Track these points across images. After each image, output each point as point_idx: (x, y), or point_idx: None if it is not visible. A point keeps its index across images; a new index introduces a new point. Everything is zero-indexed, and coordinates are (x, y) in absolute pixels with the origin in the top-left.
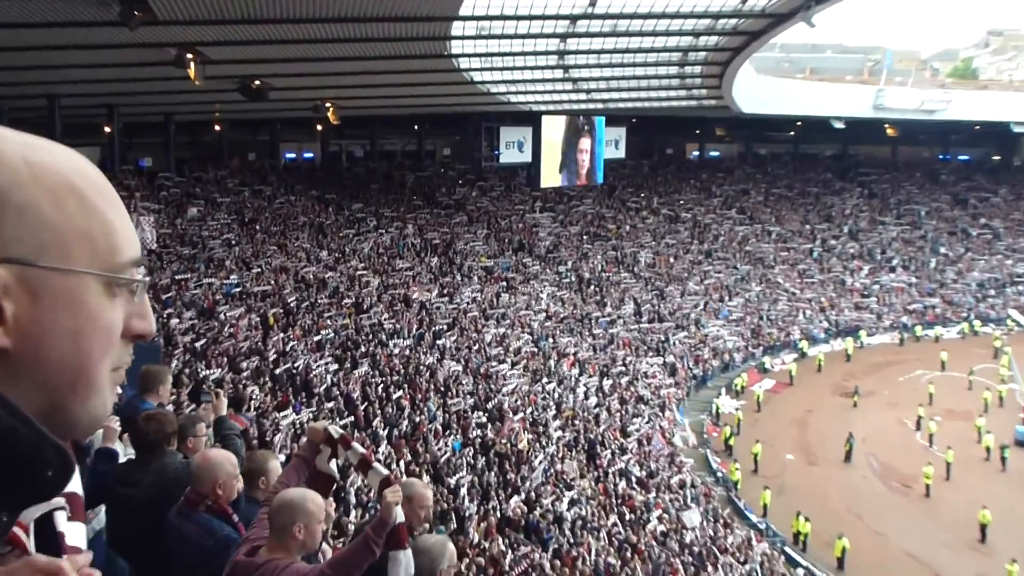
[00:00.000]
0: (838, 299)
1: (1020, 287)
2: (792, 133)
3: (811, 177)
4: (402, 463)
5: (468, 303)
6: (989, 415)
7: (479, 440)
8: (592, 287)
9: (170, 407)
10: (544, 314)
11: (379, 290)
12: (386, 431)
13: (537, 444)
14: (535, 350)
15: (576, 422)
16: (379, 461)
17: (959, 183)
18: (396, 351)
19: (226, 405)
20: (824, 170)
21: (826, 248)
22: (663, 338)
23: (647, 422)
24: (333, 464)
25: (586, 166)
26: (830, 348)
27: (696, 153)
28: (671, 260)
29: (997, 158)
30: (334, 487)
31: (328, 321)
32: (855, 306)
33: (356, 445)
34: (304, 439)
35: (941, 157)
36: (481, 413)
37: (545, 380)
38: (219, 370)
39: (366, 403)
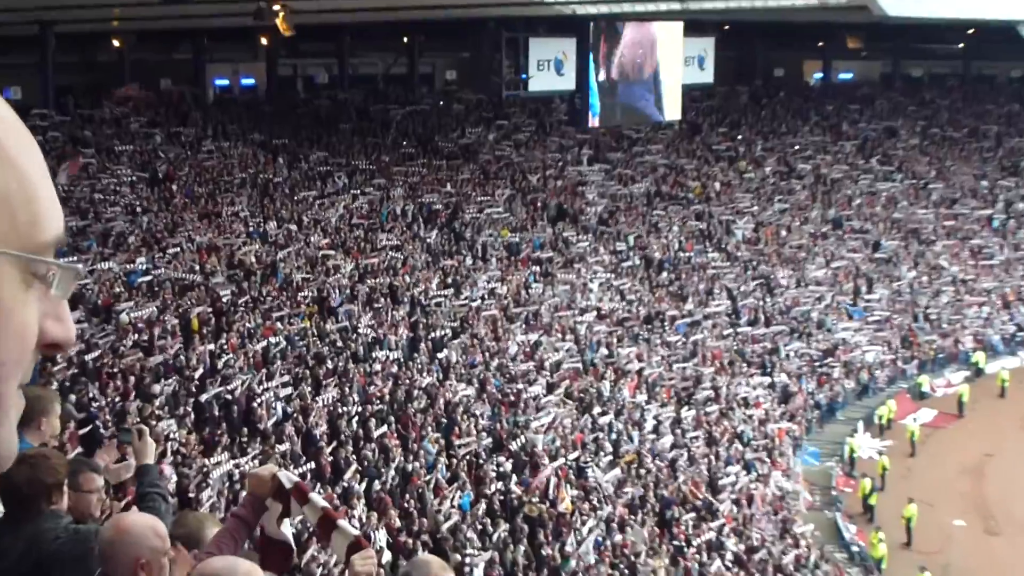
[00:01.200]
0: None
1: None
2: (961, 46)
3: (989, 111)
4: (384, 530)
5: (483, 298)
6: None
7: (500, 498)
8: (665, 273)
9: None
10: (595, 313)
11: (353, 279)
12: (363, 484)
13: (585, 504)
14: (581, 366)
15: (642, 472)
16: (348, 520)
17: None
18: (379, 368)
19: (154, 450)
20: (1009, 99)
21: (1012, 214)
22: (771, 348)
23: (747, 472)
24: (287, 526)
25: (658, 98)
26: (1019, 362)
27: (819, 75)
28: (782, 233)
29: None
30: (292, 560)
31: (279, 324)
32: None
33: (316, 497)
34: (245, 493)
35: None
36: (503, 458)
37: (597, 410)
38: (117, 396)
39: (335, 444)
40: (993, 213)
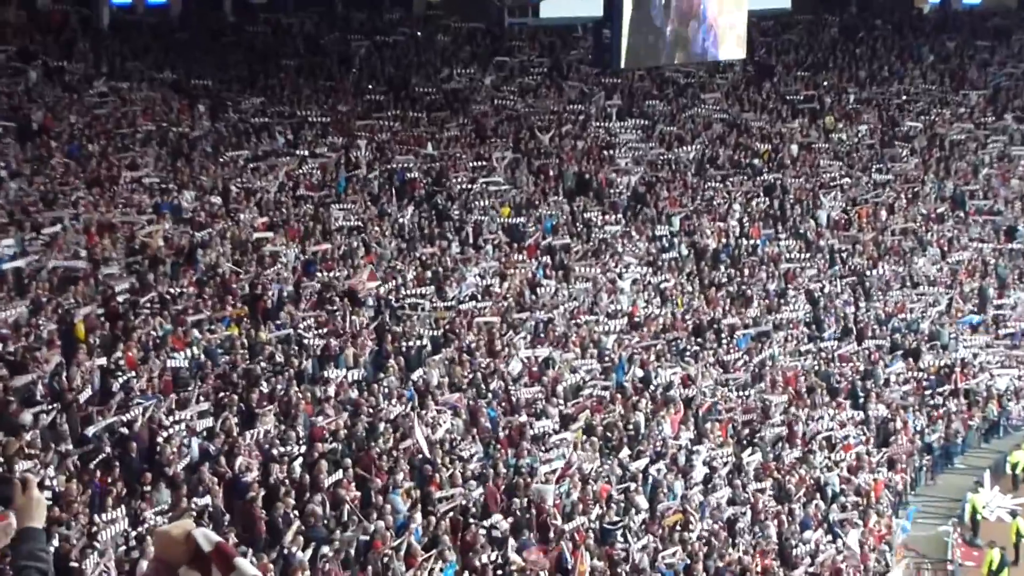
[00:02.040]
0: None
1: None
2: None
3: None
4: None
5: (475, 298)
6: None
7: (495, 571)
8: (723, 267)
9: None
10: (626, 320)
11: (299, 271)
12: (308, 551)
13: None
14: (607, 392)
15: (689, 535)
16: None
17: None
18: (332, 392)
19: (44, 509)
20: None
21: None
22: (865, 371)
23: (832, 539)
24: None
25: (715, 29)
26: None
27: (935, 0)
28: (882, 215)
29: None
30: None
31: (195, 332)
32: None
33: (244, 564)
34: (150, 561)
35: None
36: (499, 516)
37: (627, 453)
38: None
39: (270, 495)
40: None
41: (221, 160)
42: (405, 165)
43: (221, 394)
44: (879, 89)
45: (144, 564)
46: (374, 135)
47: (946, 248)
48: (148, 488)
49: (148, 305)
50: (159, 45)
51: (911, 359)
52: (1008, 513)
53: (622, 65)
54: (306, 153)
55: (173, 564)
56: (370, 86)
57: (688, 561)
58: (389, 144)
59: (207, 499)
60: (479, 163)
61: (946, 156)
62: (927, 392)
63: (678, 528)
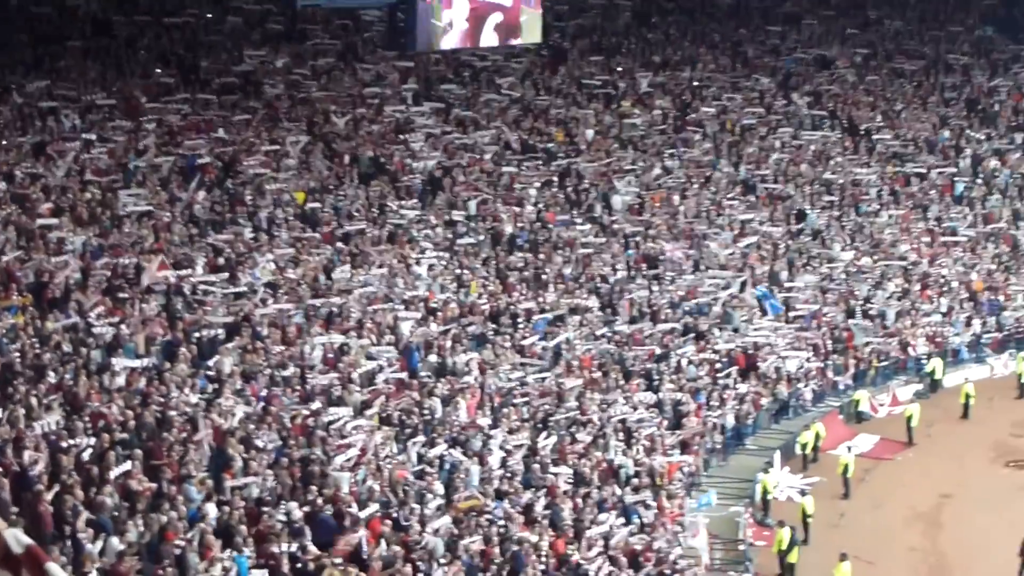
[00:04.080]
0: (1004, 275)
1: None
2: None
3: (954, 35)
4: None
5: (269, 286)
6: None
7: (291, 561)
8: (519, 253)
9: None
10: (422, 307)
11: (86, 258)
12: (99, 544)
13: (408, 567)
14: (405, 377)
15: (484, 522)
16: None
17: None
18: (121, 382)
19: None
20: (981, 20)
21: (982, 175)
22: (658, 354)
23: (626, 521)
24: None
25: (510, 13)
26: (987, 371)
27: None
28: (674, 200)
29: None
30: None
31: None
32: None
33: (54, 568)
34: None
35: None
36: (294, 505)
37: (421, 439)
38: None
39: (57, 488)
40: (957, 173)
41: (4, 144)
42: (196, 150)
43: (9, 387)
44: (672, 74)
45: None
46: (163, 119)
47: (736, 232)
48: None
49: None
50: None
51: (703, 342)
52: (798, 493)
53: (417, 48)
54: (92, 138)
55: None
56: (158, 69)
57: (484, 546)
58: (179, 129)
59: None
60: (272, 147)
61: (737, 141)
62: (719, 375)
63: (473, 513)
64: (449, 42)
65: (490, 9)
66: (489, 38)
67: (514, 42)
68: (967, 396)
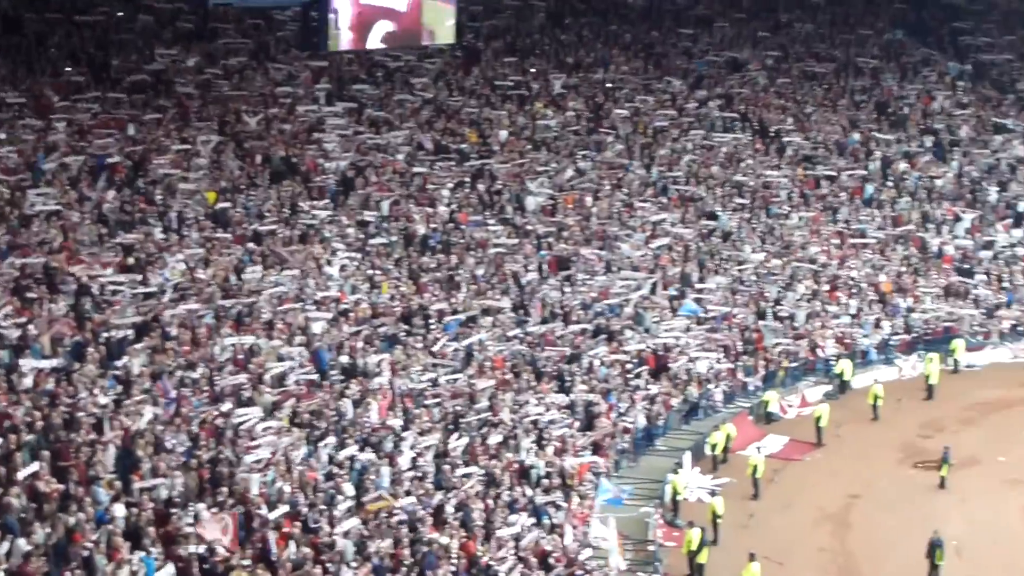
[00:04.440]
0: (913, 277)
1: None
2: None
3: (864, 38)
4: None
5: (179, 287)
6: None
7: (200, 563)
8: (432, 254)
9: None
10: (334, 307)
11: None
12: (5, 546)
13: (317, 568)
14: (316, 378)
15: (394, 523)
16: None
17: None
18: (28, 383)
19: None
20: (890, 24)
21: (891, 178)
22: (570, 355)
23: (537, 522)
24: None
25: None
26: (896, 373)
27: None
28: (587, 201)
29: None
30: None
31: None
32: (945, 291)
33: None
34: None
35: None
36: (203, 506)
37: (332, 441)
38: None
39: None
40: (867, 176)
41: None
42: (106, 149)
43: None
44: (584, 76)
45: None
46: (73, 117)
47: (648, 234)
48: None
49: None
50: None
51: (614, 343)
52: (708, 493)
53: (329, 48)
54: (2, 136)
55: None
56: (68, 67)
57: (394, 548)
58: (89, 127)
59: None
60: (183, 147)
61: (649, 143)
62: (630, 375)
63: (384, 514)
64: (362, 42)
65: (378, 15)
66: (402, 38)
67: (428, 43)
68: (876, 397)
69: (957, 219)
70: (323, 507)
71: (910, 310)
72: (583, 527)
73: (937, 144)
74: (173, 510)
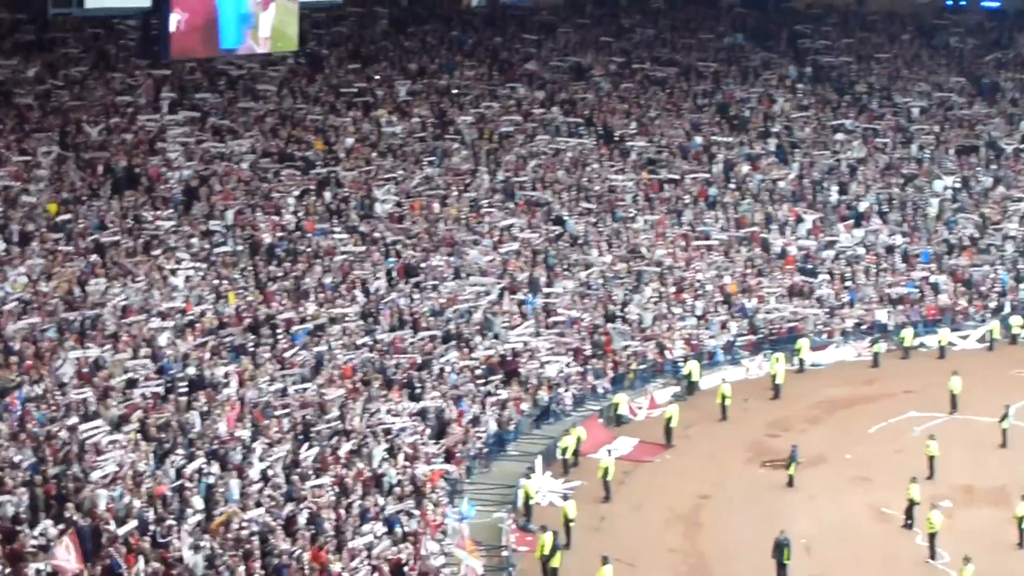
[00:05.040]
0: (757, 278)
1: None
2: None
3: (705, 43)
4: None
5: (21, 300)
6: None
7: None
8: (278, 263)
9: None
10: (180, 318)
11: None
12: None
13: None
14: (161, 391)
15: (244, 535)
16: None
17: (983, 52)
18: None
19: None
20: (731, 28)
21: (734, 180)
22: (420, 362)
23: (389, 531)
24: None
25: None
26: (743, 373)
27: None
28: (434, 207)
29: None
30: None
31: None
32: (789, 292)
33: None
34: None
35: (948, 3)
36: (49, 523)
37: (180, 454)
38: None
39: None
40: (710, 179)
41: None
42: None
43: None
44: (429, 82)
45: None
46: None
47: (496, 239)
48: None
49: None
50: None
51: (464, 349)
52: (560, 497)
53: (171, 57)
54: None
55: None
56: None
57: (243, 562)
58: None
59: None
60: (23, 158)
61: (495, 148)
62: (480, 381)
63: (233, 526)
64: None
65: (245, 16)
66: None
67: (263, 51)
68: (724, 397)
69: (799, 220)
70: (172, 522)
71: (755, 311)
72: (437, 534)
73: (778, 146)
74: (19, 527)
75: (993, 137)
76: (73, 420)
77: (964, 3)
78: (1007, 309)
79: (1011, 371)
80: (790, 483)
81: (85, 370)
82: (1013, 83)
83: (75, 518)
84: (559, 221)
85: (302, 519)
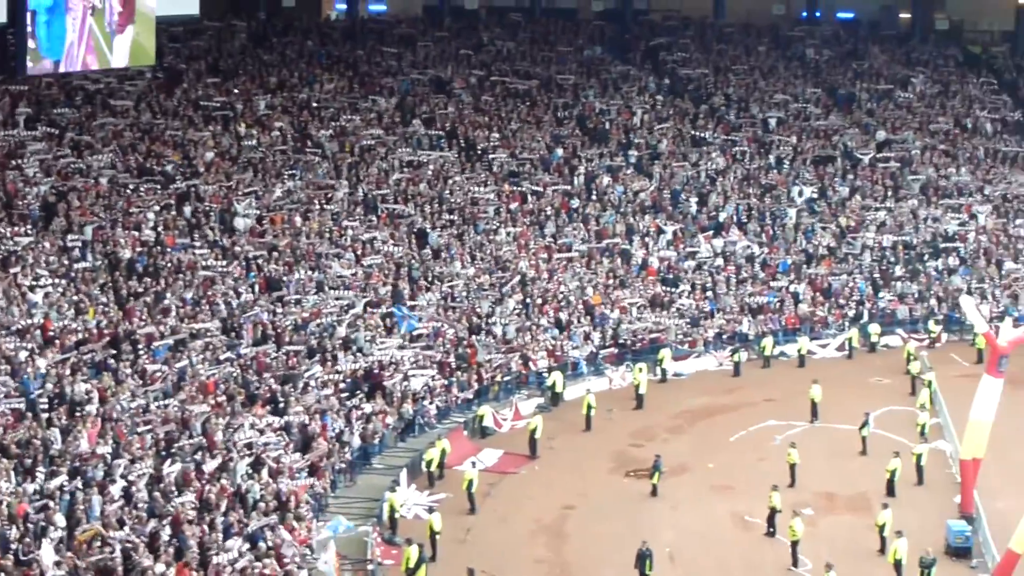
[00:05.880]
0: (619, 290)
1: (954, 258)
2: None
3: (565, 55)
4: None
5: None
6: (899, 503)
7: None
8: (138, 278)
9: None
10: (38, 334)
11: None
12: None
13: None
14: (22, 408)
15: (106, 552)
16: None
17: (839, 63)
18: None
19: None
20: (591, 40)
21: (595, 191)
22: (283, 376)
23: (252, 547)
24: None
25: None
26: (605, 383)
27: (342, 7)
28: (296, 221)
29: (906, 16)
30: None
31: None
32: (651, 302)
33: None
34: None
35: (804, 14)
36: None
37: (41, 471)
38: None
39: None
40: (572, 190)
41: None
42: None
43: None
44: (288, 96)
45: None
46: None
47: (360, 252)
48: None
49: None
50: None
51: (328, 363)
52: (425, 510)
53: (29, 72)
54: None
55: None
56: None
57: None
58: None
59: None
60: None
61: (357, 162)
62: (344, 395)
63: (97, 543)
64: (64, 65)
65: (101, 32)
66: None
67: (127, 65)
68: (589, 407)
69: (660, 231)
70: (33, 539)
71: (618, 322)
72: (302, 549)
73: (638, 158)
74: None
75: (849, 147)
76: None
77: (819, 15)
78: (865, 317)
79: (870, 379)
80: (654, 492)
81: None
82: (868, 93)
83: None
84: (422, 234)
85: (165, 535)
